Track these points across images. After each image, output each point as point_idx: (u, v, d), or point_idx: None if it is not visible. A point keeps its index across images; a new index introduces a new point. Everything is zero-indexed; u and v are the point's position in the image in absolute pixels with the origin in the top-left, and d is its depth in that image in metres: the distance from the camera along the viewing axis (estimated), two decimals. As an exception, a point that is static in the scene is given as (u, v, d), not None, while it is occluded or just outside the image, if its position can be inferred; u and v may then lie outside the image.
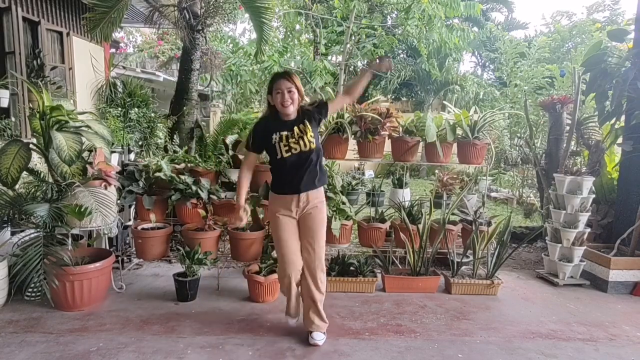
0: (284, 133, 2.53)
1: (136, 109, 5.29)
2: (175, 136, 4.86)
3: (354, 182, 4.02)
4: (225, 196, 3.66)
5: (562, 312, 3.31)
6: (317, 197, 2.64)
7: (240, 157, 3.79)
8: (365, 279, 3.55)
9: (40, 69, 4.48)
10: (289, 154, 2.53)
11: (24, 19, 4.43)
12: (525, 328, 3.02)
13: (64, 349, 2.52)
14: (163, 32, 9.14)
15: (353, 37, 9.03)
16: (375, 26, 9.27)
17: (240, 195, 2.63)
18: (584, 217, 3.85)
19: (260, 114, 5.21)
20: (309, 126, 2.55)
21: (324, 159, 2.72)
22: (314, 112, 2.62)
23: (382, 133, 3.60)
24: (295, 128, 2.54)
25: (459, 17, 9.62)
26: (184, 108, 4.92)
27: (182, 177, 3.55)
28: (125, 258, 3.96)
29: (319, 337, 2.67)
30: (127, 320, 2.92)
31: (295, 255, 2.64)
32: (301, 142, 2.52)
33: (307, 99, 2.68)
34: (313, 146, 2.54)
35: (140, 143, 5.25)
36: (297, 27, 9.87)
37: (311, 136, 2.54)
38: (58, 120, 3.06)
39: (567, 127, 4.52)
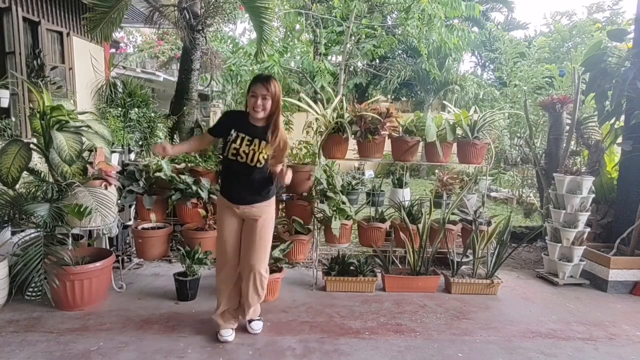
0: (243, 135, 2.49)
1: (136, 109, 5.29)
2: (175, 136, 4.86)
3: (354, 182, 4.03)
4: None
5: (561, 312, 3.32)
6: (259, 211, 2.61)
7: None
8: (365, 278, 3.55)
9: (40, 69, 4.48)
10: (234, 158, 2.50)
11: (24, 19, 4.43)
12: (525, 327, 3.02)
13: (65, 348, 2.53)
14: (163, 32, 9.14)
15: (353, 37, 9.04)
16: (375, 26, 9.27)
17: (168, 144, 2.63)
18: (583, 217, 3.86)
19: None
20: (268, 149, 2.49)
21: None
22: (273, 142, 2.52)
23: (382, 133, 3.60)
24: (257, 140, 2.49)
25: (459, 17, 9.63)
26: (184, 108, 4.93)
27: (183, 176, 3.55)
28: (125, 258, 3.96)
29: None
30: (127, 320, 2.93)
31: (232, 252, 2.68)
32: (251, 155, 2.48)
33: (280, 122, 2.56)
34: (260, 165, 2.50)
35: (140, 143, 5.25)
36: (297, 27, 9.88)
37: (263, 158, 2.49)
38: (58, 120, 3.06)
39: (567, 127, 4.53)
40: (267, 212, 2.65)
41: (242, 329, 2.84)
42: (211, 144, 3.01)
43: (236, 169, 2.54)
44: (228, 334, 2.68)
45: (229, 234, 2.65)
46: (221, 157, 2.66)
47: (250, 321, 2.81)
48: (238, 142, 2.49)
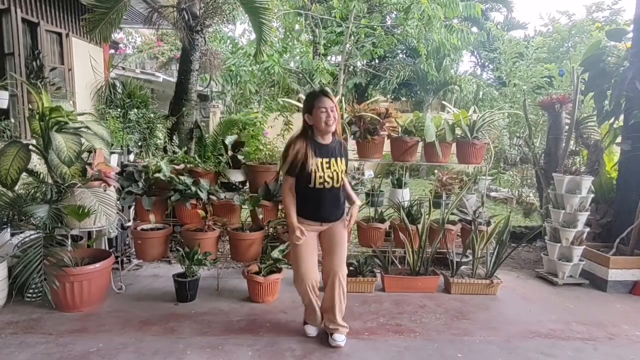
0: (320, 160, 2.47)
1: (135, 110, 5.28)
2: (174, 137, 4.85)
3: (353, 182, 4.03)
4: (225, 197, 3.66)
5: (561, 312, 3.32)
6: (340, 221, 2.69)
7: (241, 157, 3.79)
8: (365, 279, 3.55)
9: (39, 70, 4.47)
10: (322, 186, 2.48)
11: (24, 20, 4.43)
12: (525, 327, 3.02)
13: (64, 350, 2.53)
14: (162, 33, 9.14)
15: (352, 37, 9.03)
16: (375, 26, 9.27)
17: (291, 217, 2.56)
18: (583, 217, 3.86)
19: (259, 114, 5.22)
20: (344, 164, 2.57)
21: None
22: (346, 155, 2.64)
23: (382, 133, 3.60)
24: (334, 160, 2.51)
25: (458, 17, 9.62)
26: (184, 109, 4.92)
27: (182, 177, 3.55)
28: (124, 259, 3.96)
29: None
30: (126, 321, 2.93)
31: (314, 266, 2.66)
32: (335, 177, 2.50)
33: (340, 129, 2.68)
34: (341, 184, 2.56)
35: (139, 144, 5.25)
36: (297, 27, 9.87)
37: (343, 174, 2.55)
38: (57, 122, 3.06)
39: (566, 127, 4.53)
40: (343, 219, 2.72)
41: (242, 330, 2.84)
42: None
43: (320, 193, 2.53)
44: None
45: (314, 252, 2.65)
46: (301, 186, 2.55)
47: (333, 334, 2.69)
48: (320, 169, 2.47)
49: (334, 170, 2.50)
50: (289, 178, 2.56)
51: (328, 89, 2.61)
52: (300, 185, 2.56)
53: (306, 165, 2.46)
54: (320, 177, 2.46)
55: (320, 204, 2.56)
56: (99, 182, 3.20)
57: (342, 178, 2.54)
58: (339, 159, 2.54)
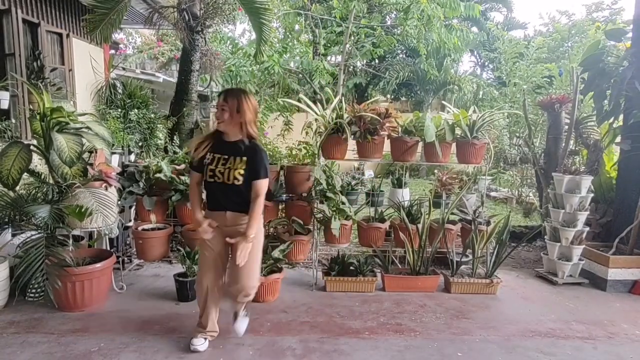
0: (218, 156, 2.47)
1: (136, 110, 5.30)
2: (175, 137, 4.87)
3: (353, 182, 4.03)
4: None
5: (561, 311, 3.32)
6: (243, 222, 2.51)
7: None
8: (365, 278, 3.56)
9: (40, 71, 4.48)
10: (212, 180, 2.46)
11: (24, 20, 4.43)
12: (525, 327, 3.03)
13: (65, 349, 2.54)
14: (162, 33, 9.15)
15: (352, 37, 9.04)
16: (375, 26, 9.28)
17: (194, 212, 2.57)
18: (582, 216, 3.86)
19: (259, 114, 5.23)
20: (244, 164, 2.43)
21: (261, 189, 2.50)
22: (255, 160, 2.47)
23: (382, 133, 3.61)
24: (232, 158, 2.45)
25: (457, 17, 9.63)
26: (184, 109, 4.94)
27: (183, 177, 3.56)
28: (125, 259, 3.97)
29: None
30: (128, 321, 2.94)
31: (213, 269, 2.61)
32: (227, 174, 2.43)
33: (251, 128, 2.51)
34: (238, 183, 2.43)
35: (140, 144, 5.26)
36: (297, 27, 9.88)
37: (239, 174, 2.42)
38: (58, 122, 3.07)
39: (566, 127, 4.54)
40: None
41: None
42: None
43: (215, 188, 2.52)
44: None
45: (216, 253, 2.61)
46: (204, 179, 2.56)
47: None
48: (214, 163, 2.47)
49: (228, 168, 2.43)
50: (191, 171, 2.61)
51: (231, 89, 2.58)
52: (205, 179, 2.54)
53: (203, 157, 2.50)
54: (210, 171, 2.46)
55: (218, 198, 2.52)
56: (99, 183, 3.21)
57: (235, 177, 2.42)
58: (238, 158, 2.44)
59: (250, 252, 2.46)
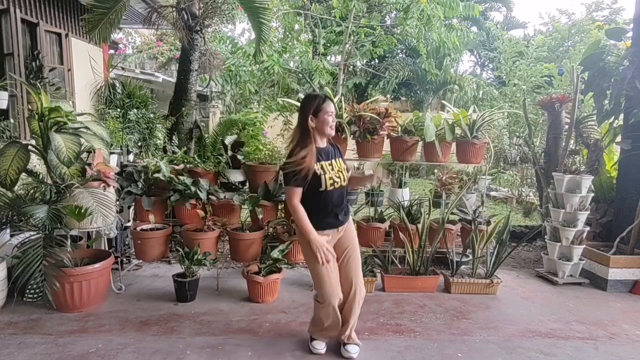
0: (324, 163, 2.44)
1: (135, 110, 5.28)
2: (174, 137, 4.85)
3: (353, 182, 4.02)
4: (225, 197, 3.66)
5: (561, 311, 3.31)
6: (349, 221, 2.66)
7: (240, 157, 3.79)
8: (365, 278, 3.52)
9: (39, 71, 4.47)
10: (332, 187, 2.42)
11: (23, 20, 4.42)
12: (525, 327, 3.02)
13: (63, 350, 2.53)
14: (162, 33, 9.14)
15: (352, 37, 9.03)
16: (374, 26, 9.27)
17: (311, 232, 2.37)
18: (583, 216, 3.85)
19: (259, 114, 5.22)
20: (344, 163, 2.58)
21: None
22: (344, 158, 2.65)
23: (381, 133, 3.60)
24: (334, 161, 2.50)
25: (457, 17, 9.62)
26: (183, 109, 4.92)
27: (181, 177, 3.55)
28: (124, 259, 3.96)
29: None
30: (126, 321, 2.92)
31: (338, 283, 2.49)
32: (342, 176, 2.49)
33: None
34: (345, 183, 2.53)
35: (139, 144, 5.24)
36: (296, 27, 9.87)
37: (346, 173, 2.56)
38: (57, 122, 3.06)
39: (566, 126, 4.52)
40: (352, 224, 2.70)
41: (242, 330, 2.84)
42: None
43: (333, 196, 2.46)
44: (322, 346, 2.64)
45: (334, 268, 2.47)
46: (310, 194, 2.41)
47: (346, 344, 2.60)
48: (329, 171, 2.43)
49: (339, 170, 2.50)
50: (297, 190, 2.37)
51: (330, 94, 2.64)
52: (310, 194, 2.40)
53: (316, 172, 2.37)
54: (330, 179, 2.41)
55: (333, 207, 2.48)
56: (98, 183, 3.20)
57: (346, 177, 2.54)
58: (339, 159, 2.56)
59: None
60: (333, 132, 2.49)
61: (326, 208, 2.45)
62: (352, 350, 2.57)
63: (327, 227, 2.46)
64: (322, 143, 2.52)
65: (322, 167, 2.41)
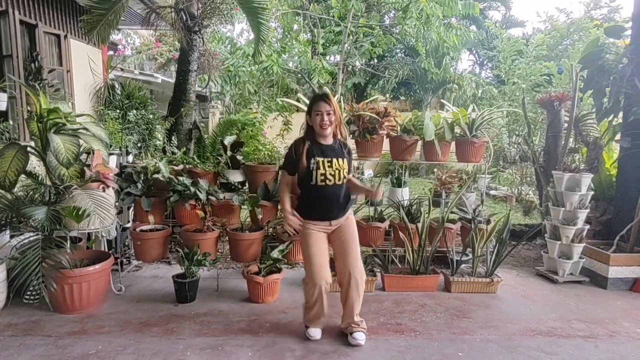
0: (322, 159, 2.56)
1: (134, 111, 5.29)
2: (173, 137, 4.85)
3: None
4: (224, 197, 3.65)
5: (561, 310, 3.31)
6: (346, 217, 2.75)
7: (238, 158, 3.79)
8: (365, 278, 3.53)
9: (38, 72, 4.47)
10: (323, 183, 2.56)
11: (22, 22, 4.43)
12: (525, 326, 3.02)
13: (63, 352, 2.52)
14: (160, 34, 9.13)
15: (351, 37, 9.03)
16: (373, 25, 9.27)
17: (284, 204, 2.71)
18: (582, 214, 3.85)
19: (258, 114, 5.22)
20: (346, 163, 2.64)
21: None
22: (350, 160, 2.77)
23: (381, 132, 3.60)
24: (336, 160, 2.59)
25: (456, 15, 9.62)
26: (182, 109, 4.92)
27: (181, 178, 3.54)
28: (124, 260, 3.96)
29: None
30: (126, 322, 2.92)
31: (326, 266, 2.67)
32: (337, 175, 2.57)
33: (344, 129, 2.80)
34: (345, 182, 2.64)
35: (138, 145, 5.25)
36: (295, 27, 9.87)
37: (346, 173, 2.63)
38: (55, 123, 3.06)
39: (565, 125, 4.52)
40: (350, 215, 2.80)
41: (242, 330, 2.83)
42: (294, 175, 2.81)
43: (324, 192, 2.59)
44: (317, 332, 2.75)
45: (323, 252, 2.67)
46: (303, 186, 2.67)
47: (352, 332, 2.69)
48: (322, 167, 2.55)
49: (336, 169, 2.58)
50: (285, 174, 2.73)
51: (328, 93, 2.69)
52: (303, 185, 2.66)
53: (308, 164, 2.56)
54: (321, 175, 2.55)
55: (323, 201, 2.63)
56: (97, 184, 3.20)
57: (344, 176, 2.62)
58: (340, 159, 2.62)
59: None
60: (325, 131, 2.57)
61: (315, 201, 2.63)
62: (359, 337, 2.66)
63: (313, 218, 2.65)
64: (325, 140, 2.63)
65: (317, 163, 2.55)
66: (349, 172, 2.69)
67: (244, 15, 4.96)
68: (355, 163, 4.37)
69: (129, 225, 3.99)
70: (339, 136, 2.71)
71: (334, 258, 2.78)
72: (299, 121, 4.62)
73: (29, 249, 2.77)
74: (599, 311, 3.29)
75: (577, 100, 4.31)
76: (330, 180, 2.56)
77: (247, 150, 3.99)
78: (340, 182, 2.60)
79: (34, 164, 3.43)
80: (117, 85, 5.72)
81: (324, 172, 2.55)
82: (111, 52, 8.01)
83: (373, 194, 2.74)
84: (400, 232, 3.67)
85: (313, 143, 2.62)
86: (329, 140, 2.64)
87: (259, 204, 3.58)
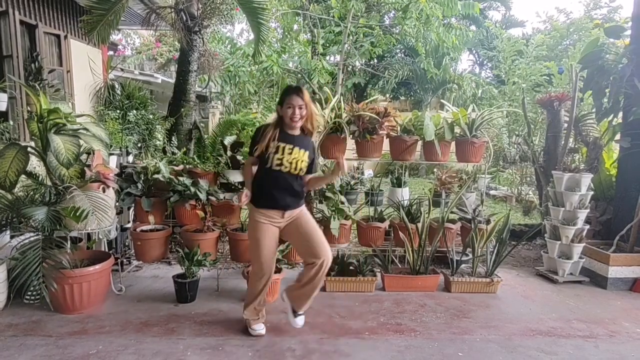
0: (283, 145, 2.57)
1: (134, 111, 5.29)
2: (173, 138, 4.85)
3: (352, 182, 4.02)
4: (224, 197, 3.65)
5: (561, 309, 3.31)
6: (299, 210, 2.73)
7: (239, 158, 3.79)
8: (365, 278, 3.55)
9: (38, 72, 4.47)
10: (278, 168, 2.56)
11: (22, 22, 4.42)
12: (525, 326, 3.02)
13: (64, 352, 2.52)
14: (160, 34, 9.13)
15: (351, 37, 9.03)
16: (373, 26, 9.27)
17: (245, 186, 2.77)
18: (582, 214, 3.85)
19: (258, 114, 5.22)
20: (307, 157, 2.62)
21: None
22: (315, 156, 2.75)
23: (381, 132, 3.60)
24: (297, 149, 2.59)
25: (456, 15, 9.62)
26: (182, 109, 4.92)
27: (181, 178, 3.55)
28: (124, 260, 3.95)
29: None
30: (126, 323, 2.92)
31: (274, 260, 2.75)
32: (294, 164, 2.57)
33: (319, 119, 2.82)
34: (302, 173, 2.63)
35: (138, 145, 5.25)
36: (295, 27, 9.87)
37: (304, 165, 2.61)
38: (56, 123, 3.06)
39: (565, 125, 4.52)
40: (303, 209, 2.80)
41: (242, 330, 2.83)
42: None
43: (277, 177, 2.60)
44: (262, 327, 2.80)
45: (271, 244, 2.69)
46: (259, 170, 2.67)
47: (298, 314, 2.80)
48: (280, 152, 2.55)
49: (294, 158, 2.58)
50: (250, 157, 2.72)
51: (301, 87, 2.69)
52: (259, 169, 2.66)
53: (267, 146, 2.56)
54: (278, 160, 2.55)
55: (275, 187, 2.61)
56: (97, 184, 3.20)
57: (301, 168, 2.60)
58: (302, 149, 2.61)
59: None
60: (295, 124, 2.58)
61: (267, 185, 2.62)
62: (300, 322, 2.80)
63: (267, 206, 2.63)
64: (293, 131, 2.64)
65: (277, 147, 2.56)
66: (310, 168, 2.68)
67: (244, 15, 4.95)
68: (355, 163, 4.37)
69: (129, 225, 4.00)
70: (309, 129, 2.68)
71: (298, 247, 2.81)
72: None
73: (30, 249, 2.77)
74: (599, 311, 3.29)
75: (577, 100, 4.31)
76: (285, 167, 2.56)
77: (247, 151, 3.99)
78: (296, 172, 2.59)
79: (34, 164, 3.43)
80: (117, 86, 5.72)
81: (281, 157, 2.54)
82: (111, 53, 8.02)
83: (337, 168, 2.63)
84: (400, 232, 3.67)
85: (280, 131, 2.62)
86: (296, 132, 2.65)
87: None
